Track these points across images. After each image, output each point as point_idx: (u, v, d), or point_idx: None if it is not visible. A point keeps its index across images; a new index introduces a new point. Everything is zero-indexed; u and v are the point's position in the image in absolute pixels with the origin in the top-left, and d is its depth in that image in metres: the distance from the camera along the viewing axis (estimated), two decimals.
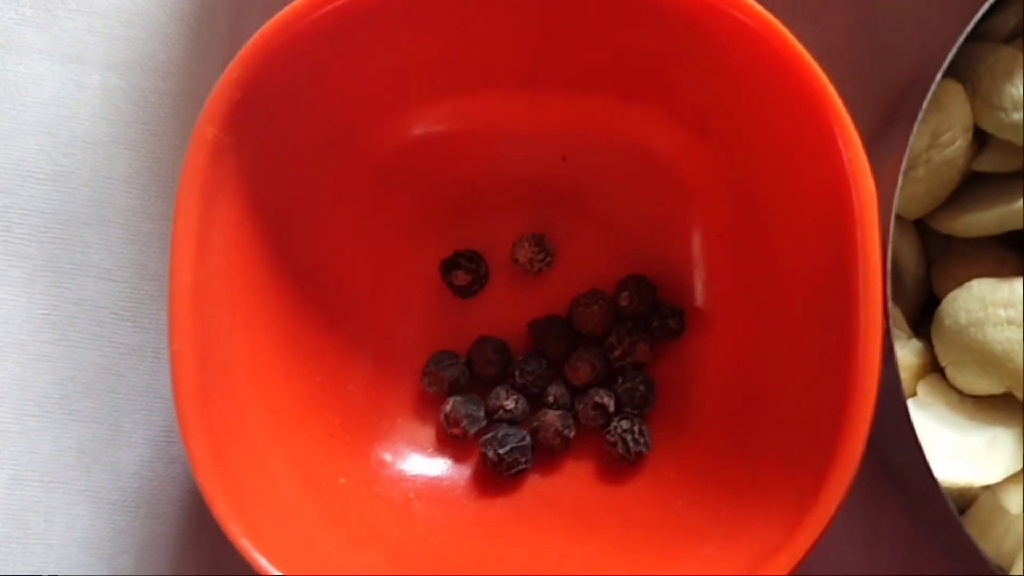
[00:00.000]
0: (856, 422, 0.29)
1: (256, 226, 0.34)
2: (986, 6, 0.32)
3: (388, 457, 0.37)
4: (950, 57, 0.30)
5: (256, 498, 0.32)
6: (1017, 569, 0.34)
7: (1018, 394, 0.33)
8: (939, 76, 0.30)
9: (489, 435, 0.37)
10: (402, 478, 0.37)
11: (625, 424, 0.36)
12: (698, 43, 0.33)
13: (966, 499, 0.35)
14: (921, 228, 0.36)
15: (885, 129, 0.36)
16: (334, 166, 0.36)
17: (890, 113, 0.38)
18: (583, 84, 0.36)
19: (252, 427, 0.34)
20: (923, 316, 0.36)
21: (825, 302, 0.31)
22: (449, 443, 0.38)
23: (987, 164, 0.34)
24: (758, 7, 0.31)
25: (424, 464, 0.37)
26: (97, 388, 0.40)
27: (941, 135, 0.33)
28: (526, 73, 0.36)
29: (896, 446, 0.34)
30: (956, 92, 0.33)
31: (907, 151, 0.30)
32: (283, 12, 0.31)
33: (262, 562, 0.30)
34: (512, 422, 0.37)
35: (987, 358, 0.33)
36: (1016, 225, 0.33)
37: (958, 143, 0.33)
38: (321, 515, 0.34)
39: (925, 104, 0.30)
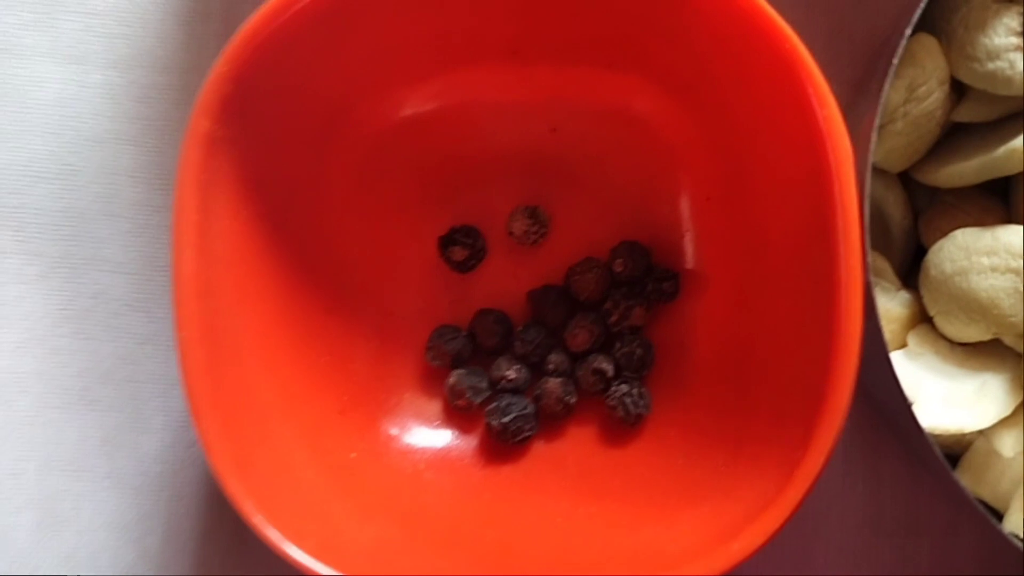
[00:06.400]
0: (841, 372, 0.30)
1: (256, 213, 0.35)
2: None
3: (397, 431, 0.38)
4: (919, 11, 0.31)
5: (269, 476, 0.34)
6: (1013, 511, 0.34)
7: (1005, 340, 0.34)
8: (908, 31, 0.31)
9: (493, 405, 0.38)
10: (411, 450, 0.38)
11: (624, 387, 0.37)
12: (675, 10, 0.33)
13: (961, 445, 0.36)
14: (907, 181, 0.37)
15: (864, 86, 0.37)
16: (328, 150, 0.37)
17: (869, 70, 0.38)
18: (567, 55, 0.37)
19: (262, 407, 0.35)
20: (912, 268, 0.37)
21: (809, 258, 0.32)
22: (455, 414, 0.39)
23: (966, 115, 0.35)
24: None
25: (432, 436, 0.38)
26: (115, 377, 0.41)
27: (917, 88, 0.34)
28: (510, 47, 0.37)
29: (890, 395, 0.35)
30: (930, 45, 0.33)
31: (880, 105, 0.30)
32: (267, 4, 0.32)
33: (275, 536, 0.32)
34: (515, 391, 0.38)
35: (972, 306, 0.33)
36: (996, 173, 0.34)
37: (935, 95, 0.34)
38: (334, 489, 0.36)
39: (896, 59, 0.31)
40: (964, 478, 0.35)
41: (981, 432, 0.35)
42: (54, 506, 0.41)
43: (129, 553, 0.41)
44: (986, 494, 0.35)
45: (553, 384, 0.38)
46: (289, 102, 0.35)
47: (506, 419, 0.37)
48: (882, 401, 0.37)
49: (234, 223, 0.34)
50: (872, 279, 0.34)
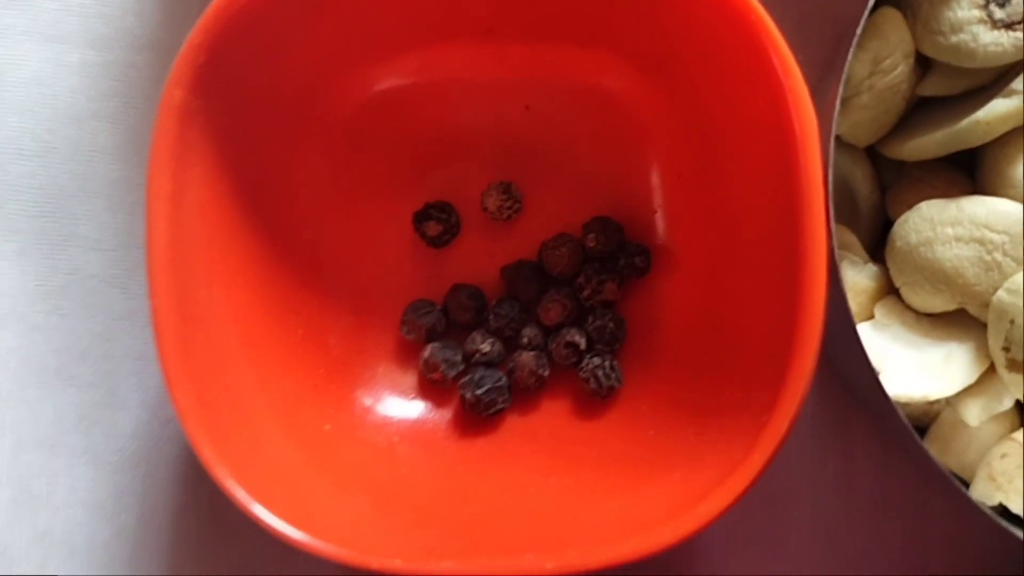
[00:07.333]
0: (806, 335, 0.30)
1: (230, 185, 0.35)
2: None
3: (371, 403, 0.38)
4: None
5: (243, 445, 0.34)
6: (979, 480, 0.35)
7: (970, 309, 0.34)
8: (871, 3, 0.31)
9: (467, 378, 0.38)
10: (386, 423, 0.38)
11: (597, 361, 0.38)
12: None
13: (929, 416, 0.36)
14: (874, 156, 0.37)
15: (831, 60, 0.37)
16: (303, 124, 0.37)
17: (837, 45, 0.38)
18: (540, 32, 0.37)
19: (236, 379, 0.35)
20: (880, 242, 0.37)
21: (776, 228, 0.32)
22: (429, 388, 0.39)
23: (931, 88, 0.35)
24: None
25: (406, 408, 0.39)
26: (92, 355, 0.41)
27: (882, 61, 0.34)
28: (485, 24, 0.37)
29: (857, 367, 0.35)
30: (895, 18, 0.34)
31: (843, 75, 0.31)
32: None
33: (247, 501, 0.32)
34: (489, 364, 0.39)
35: (938, 276, 0.34)
36: (961, 146, 0.34)
37: (900, 68, 0.34)
38: (307, 460, 0.36)
39: (859, 30, 0.31)
40: (931, 448, 0.35)
41: (948, 402, 0.35)
42: (29, 483, 0.41)
43: (105, 530, 0.41)
44: (953, 464, 0.36)
45: (526, 357, 0.38)
46: (263, 74, 0.35)
47: (479, 391, 0.37)
48: (851, 375, 0.38)
49: (209, 194, 0.34)
50: (839, 252, 0.35)
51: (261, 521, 0.32)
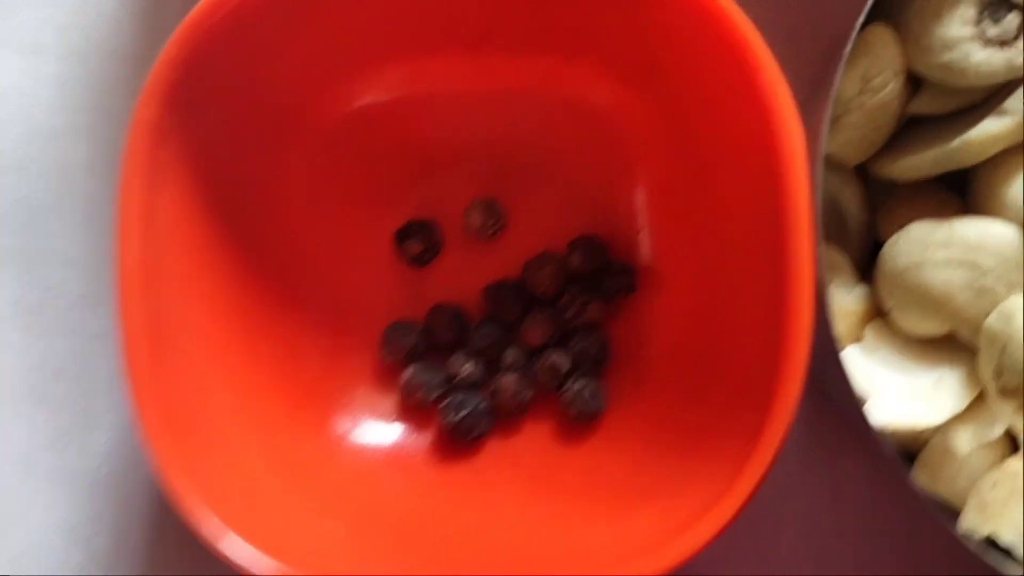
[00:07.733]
0: (791, 362, 0.30)
1: (205, 203, 0.34)
2: None
3: (349, 427, 0.38)
4: (871, 1, 0.31)
5: (215, 470, 0.33)
6: (969, 509, 0.34)
7: (961, 334, 0.34)
8: (861, 19, 0.31)
9: (447, 401, 0.37)
10: (364, 447, 0.37)
11: (580, 384, 0.37)
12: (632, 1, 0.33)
13: (919, 443, 0.35)
14: (864, 175, 0.36)
15: (820, 77, 0.36)
16: (281, 141, 0.36)
17: (826, 61, 0.38)
18: (525, 46, 0.36)
19: (211, 402, 0.34)
20: (870, 263, 0.36)
21: (763, 249, 0.32)
22: (409, 411, 0.38)
23: (922, 107, 0.35)
24: None
25: (386, 432, 0.38)
26: (67, 374, 0.41)
27: (872, 79, 0.33)
28: (469, 38, 0.36)
29: (845, 392, 0.34)
30: (885, 35, 0.33)
31: (832, 93, 0.30)
32: None
33: (212, 534, 0.31)
34: (470, 387, 0.38)
35: (927, 299, 0.33)
36: (952, 166, 0.33)
37: (890, 87, 0.34)
38: (283, 485, 0.35)
39: (848, 47, 0.30)
40: (921, 475, 0.35)
41: (938, 430, 0.34)
42: (2, 504, 0.40)
43: (78, 554, 0.40)
44: (943, 491, 0.35)
45: (508, 381, 0.37)
46: (240, 90, 0.34)
47: (460, 416, 0.37)
48: (839, 398, 0.37)
49: (182, 213, 0.34)
50: (827, 273, 0.34)
51: (225, 559, 0.31)
